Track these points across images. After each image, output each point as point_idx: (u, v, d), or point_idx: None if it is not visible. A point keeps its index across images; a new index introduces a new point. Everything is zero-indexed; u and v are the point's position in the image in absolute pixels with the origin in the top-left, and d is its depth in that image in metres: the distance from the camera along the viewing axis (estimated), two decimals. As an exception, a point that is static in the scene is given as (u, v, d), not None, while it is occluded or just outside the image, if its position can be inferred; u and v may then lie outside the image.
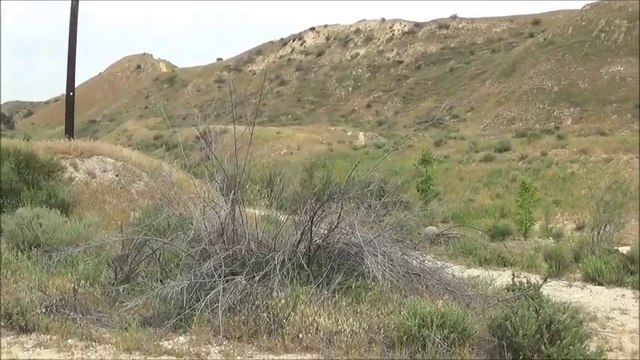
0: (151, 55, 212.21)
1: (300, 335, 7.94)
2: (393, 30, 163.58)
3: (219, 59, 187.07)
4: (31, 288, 9.55)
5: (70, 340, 7.98)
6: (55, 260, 10.52)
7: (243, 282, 8.64)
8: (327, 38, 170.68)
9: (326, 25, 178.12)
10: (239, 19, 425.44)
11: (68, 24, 26.96)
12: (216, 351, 7.72)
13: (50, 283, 9.99)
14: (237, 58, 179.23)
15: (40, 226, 12.42)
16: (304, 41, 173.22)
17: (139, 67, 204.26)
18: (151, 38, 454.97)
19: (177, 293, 8.52)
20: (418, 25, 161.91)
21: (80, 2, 27.04)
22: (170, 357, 7.50)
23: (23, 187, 16.48)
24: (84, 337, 8.06)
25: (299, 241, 9.86)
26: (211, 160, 11.16)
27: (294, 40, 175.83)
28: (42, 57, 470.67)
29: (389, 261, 9.41)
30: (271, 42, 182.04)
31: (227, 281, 8.67)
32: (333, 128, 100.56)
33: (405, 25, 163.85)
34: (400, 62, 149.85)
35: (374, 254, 9.32)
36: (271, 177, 16.99)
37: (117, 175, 19.07)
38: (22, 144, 19.26)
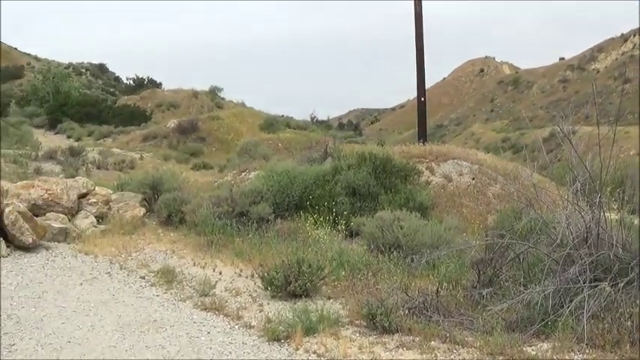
0: (493, 58, 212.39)
1: (666, 347, 7.71)
2: None
3: (562, 59, 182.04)
4: (393, 289, 10.11)
5: (432, 342, 8.31)
6: (417, 262, 11.15)
7: (607, 289, 8.58)
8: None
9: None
10: (576, 15, 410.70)
11: (413, 30, 28.10)
12: (579, 359, 7.71)
13: (412, 284, 10.50)
14: (579, 57, 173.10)
15: (401, 229, 13.03)
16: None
17: (482, 70, 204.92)
18: (492, 41, 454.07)
19: (542, 299, 8.63)
20: None
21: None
22: (533, 363, 7.59)
23: (381, 191, 17.35)
24: (447, 339, 8.36)
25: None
26: (564, 162, 11.16)
27: (634, 36, 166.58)
28: (385, 64, 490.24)
29: None
30: (612, 38, 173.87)
31: (591, 287, 8.68)
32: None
33: None
34: None
35: None
36: (623, 179, 16.34)
37: (473, 179, 19.43)
38: (377, 149, 20.32)
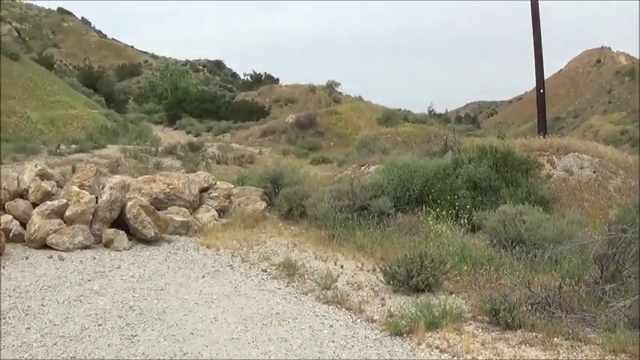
0: (610, 48, 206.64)
1: None
2: None
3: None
4: (516, 285, 10.13)
5: (555, 339, 8.34)
6: (540, 257, 11.09)
7: None
8: None
9: None
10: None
11: (530, 22, 27.68)
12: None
13: (535, 280, 10.47)
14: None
15: (523, 223, 12.99)
16: None
17: (598, 61, 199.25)
18: (608, 31, 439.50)
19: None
20: None
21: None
22: (655, 362, 7.52)
23: (502, 185, 17.18)
24: (569, 336, 8.37)
25: None
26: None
27: None
28: (502, 56, 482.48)
29: None
30: None
31: None
32: None
33: None
34: None
35: None
36: None
37: (594, 172, 19.04)
38: (498, 142, 20.16)
